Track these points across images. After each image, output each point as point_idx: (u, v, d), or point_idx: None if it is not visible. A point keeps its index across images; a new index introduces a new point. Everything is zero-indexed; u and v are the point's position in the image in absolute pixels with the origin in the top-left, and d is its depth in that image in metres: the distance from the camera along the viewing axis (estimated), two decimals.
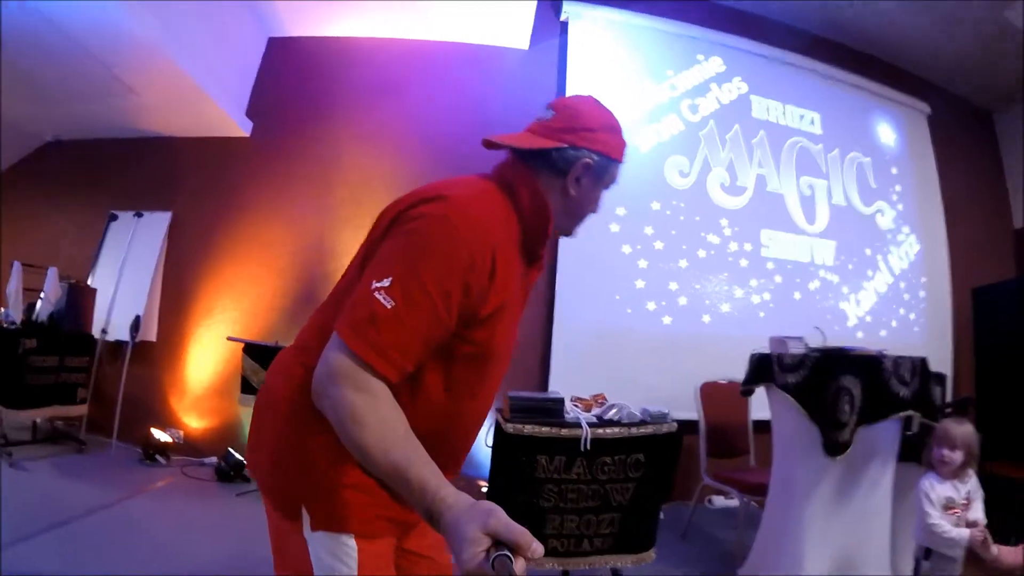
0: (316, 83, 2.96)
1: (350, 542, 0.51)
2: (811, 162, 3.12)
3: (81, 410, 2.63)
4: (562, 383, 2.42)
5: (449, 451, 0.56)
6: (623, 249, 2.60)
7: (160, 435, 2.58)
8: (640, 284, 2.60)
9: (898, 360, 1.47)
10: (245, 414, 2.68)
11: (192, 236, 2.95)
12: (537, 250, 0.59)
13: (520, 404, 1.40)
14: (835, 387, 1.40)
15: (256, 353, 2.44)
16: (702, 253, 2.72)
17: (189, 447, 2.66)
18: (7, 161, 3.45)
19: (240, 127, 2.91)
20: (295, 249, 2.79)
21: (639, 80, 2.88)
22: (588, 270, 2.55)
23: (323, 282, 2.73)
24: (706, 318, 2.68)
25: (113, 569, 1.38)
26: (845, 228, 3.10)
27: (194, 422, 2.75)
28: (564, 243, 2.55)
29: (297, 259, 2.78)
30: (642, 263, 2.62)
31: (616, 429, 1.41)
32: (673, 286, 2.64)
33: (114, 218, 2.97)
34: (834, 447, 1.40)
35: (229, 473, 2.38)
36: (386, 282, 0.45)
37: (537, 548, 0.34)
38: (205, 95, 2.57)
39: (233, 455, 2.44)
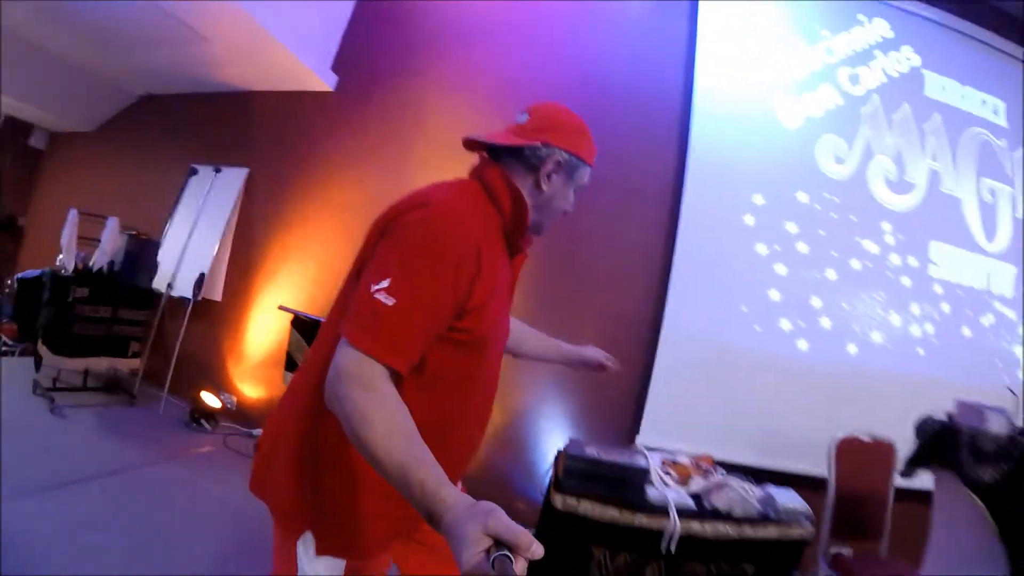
0: (406, 35, 2.28)
1: (341, 565, 0.49)
2: (994, 161, 2.11)
3: (132, 364, 2.22)
4: (661, 410, 1.67)
5: (452, 446, 0.52)
6: (758, 249, 1.77)
7: (210, 399, 2.12)
8: (775, 296, 1.77)
9: None
10: None
11: (266, 194, 2.42)
12: (518, 241, 0.56)
13: (580, 467, 0.74)
14: None
15: (305, 327, 1.86)
16: (856, 264, 1.84)
17: (240, 414, 2.19)
18: (104, 116, 3.08)
19: (323, 80, 2.29)
20: (369, 213, 2.15)
21: (787, 39, 1.98)
22: (712, 270, 1.76)
23: None
24: (852, 348, 1.82)
25: (120, 536, 1.13)
26: None
27: (248, 389, 2.26)
28: (685, 235, 1.75)
29: (368, 224, 2.15)
30: (780, 269, 1.78)
31: (722, 526, 0.75)
32: (816, 303, 1.80)
33: (194, 172, 2.49)
34: None
35: None
36: (384, 283, 0.43)
37: (537, 549, 0.30)
38: (280, 45, 2.03)
39: None
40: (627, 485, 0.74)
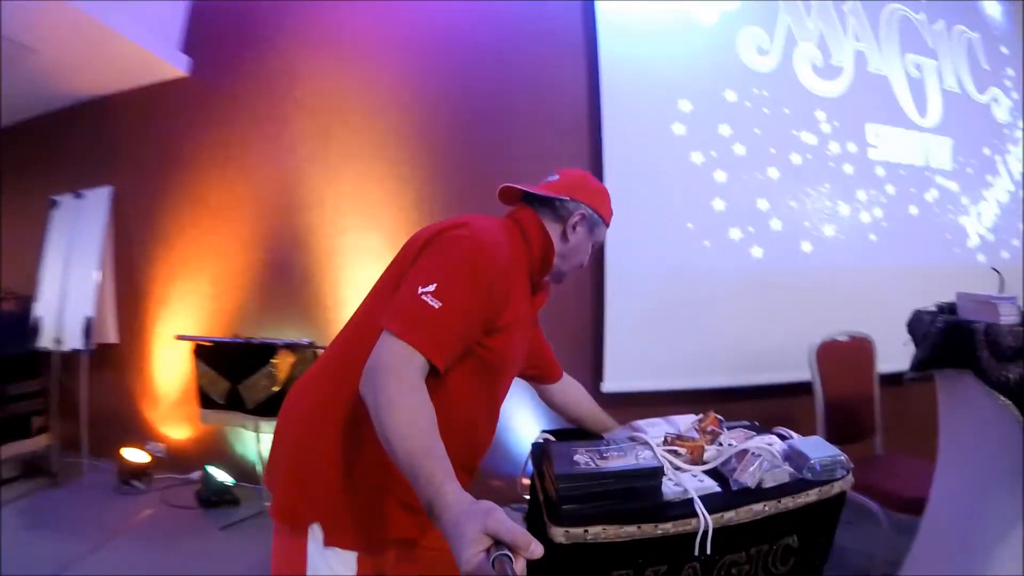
0: None
1: (352, 559, 0.51)
2: (916, 36, 2.05)
3: (39, 442, 1.90)
4: (623, 351, 1.53)
5: (463, 450, 0.55)
6: (693, 158, 1.64)
7: (135, 455, 1.85)
8: (719, 205, 1.65)
9: None
10: (221, 434, 1.86)
11: (136, 210, 2.07)
12: (539, 280, 0.63)
13: (578, 488, 0.57)
14: None
15: (209, 354, 1.63)
16: (796, 158, 1.74)
17: (172, 461, 1.93)
18: None
19: (174, 65, 1.93)
20: (252, 210, 1.88)
21: None
22: (648, 190, 1.62)
23: (293, 247, 1.82)
24: (806, 246, 1.74)
25: None
26: (961, 121, 2.08)
27: (173, 432, 1.98)
28: (611, 158, 1.59)
29: (259, 221, 1.88)
30: (719, 176, 1.66)
31: (757, 506, 0.61)
32: (763, 205, 1.69)
33: (54, 204, 2.11)
34: None
35: (212, 500, 1.67)
36: (431, 287, 0.47)
37: (536, 548, 0.31)
38: (117, 35, 1.68)
39: (213, 477, 1.71)
40: (639, 492, 0.59)
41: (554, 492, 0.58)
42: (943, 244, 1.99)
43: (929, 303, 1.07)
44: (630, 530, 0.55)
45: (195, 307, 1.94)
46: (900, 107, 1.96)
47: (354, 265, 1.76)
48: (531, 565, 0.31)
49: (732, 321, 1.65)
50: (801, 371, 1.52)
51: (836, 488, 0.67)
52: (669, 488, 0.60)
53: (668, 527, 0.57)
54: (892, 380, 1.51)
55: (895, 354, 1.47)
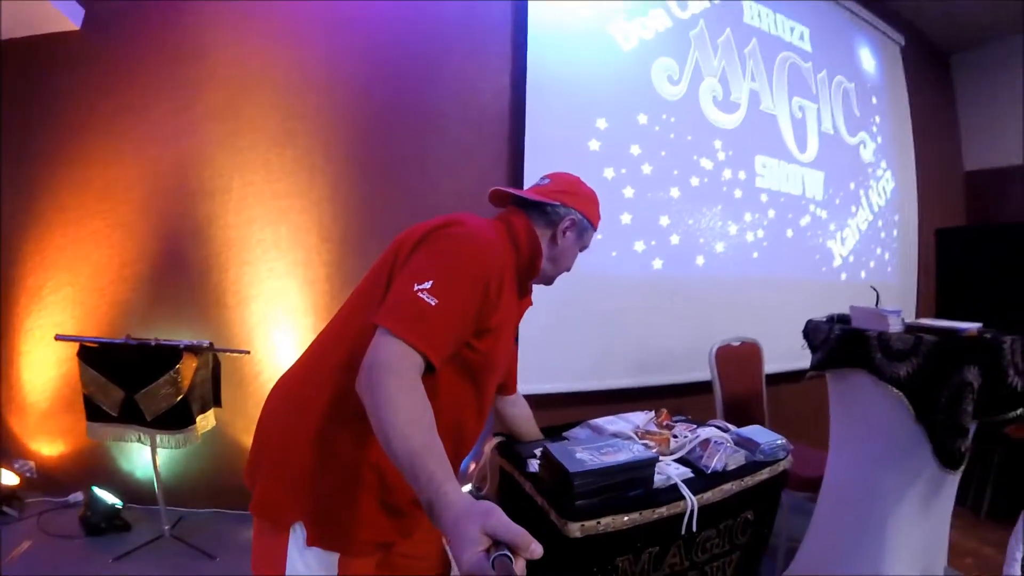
0: None
1: (335, 560, 0.52)
2: (802, 82, 2.39)
3: None
4: (536, 354, 1.63)
5: (449, 449, 0.49)
6: (605, 173, 1.78)
7: (3, 477, 1.60)
8: (626, 219, 1.81)
9: (1015, 342, 0.93)
10: (104, 449, 1.67)
11: (5, 183, 1.75)
12: (526, 284, 0.64)
13: (592, 483, 0.64)
14: (957, 382, 0.89)
15: (97, 357, 1.43)
16: (695, 181, 1.96)
17: (46, 481, 1.69)
18: None
19: (63, 14, 1.64)
20: (148, 191, 1.70)
21: None
22: None
23: (192, 237, 1.68)
24: (700, 259, 1.97)
25: None
26: (833, 158, 2.47)
27: (46, 447, 1.73)
28: (532, 168, 1.67)
29: (152, 206, 1.69)
30: (628, 191, 1.82)
31: (726, 486, 0.74)
32: (664, 221, 1.88)
33: None
34: (952, 457, 0.89)
35: (100, 525, 1.48)
36: (427, 284, 0.47)
37: (536, 548, 0.31)
38: None
39: (99, 499, 1.51)
40: (638, 481, 0.67)
41: (566, 489, 0.61)
42: (813, 263, 2.36)
43: (803, 314, 1.27)
44: (633, 517, 0.63)
45: (73, 302, 1.71)
46: (784, 142, 2.28)
47: (259, 260, 1.66)
48: (544, 561, 0.31)
49: (635, 326, 1.83)
50: (697, 371, 1.74)
51: (781, 466, 0.81)
52: (659, 478, 0.69)
53: (663, 511, 0.65)
54: (773, 380, 1.78)
55: (775, 356, 1.75)
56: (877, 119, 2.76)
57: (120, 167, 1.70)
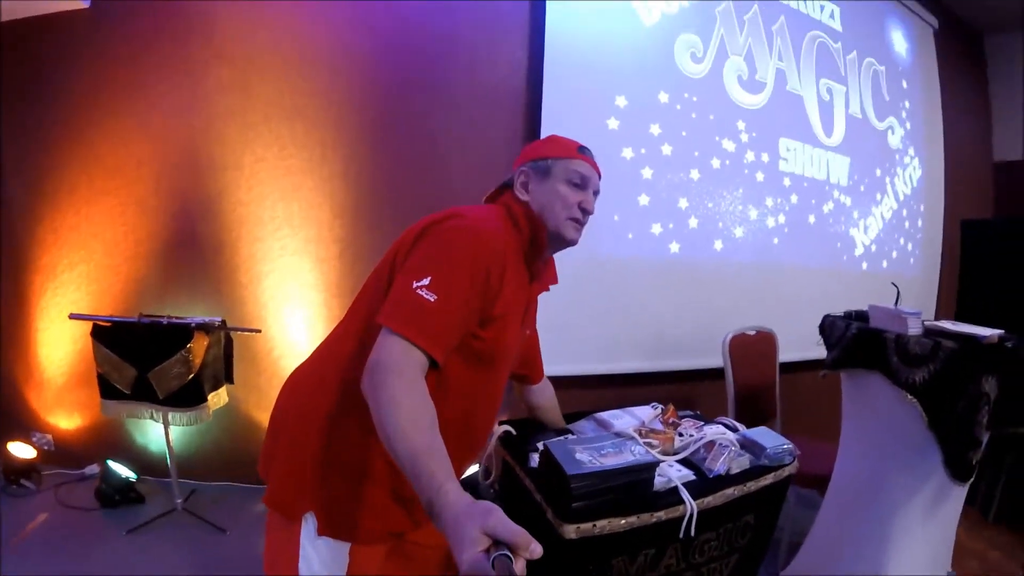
0: None
1: (346, 549, 0.53)
2: (831, 62, 2.29)
3: None
4: (548, 334, 1.60)
5: (460, 441, 0.56)
6: (624, 153, 1.73)
7: (22, 450, 1.64)
8: (644, 200, 1.76)
9: None
10: (119, 424, 1.69)
11: (21, 162, 1.77)
12: (535, 264, 0.62)
13: (590, 486, 0.62)
14: (974, 392, 0.84)
15: (110, 336, 1.45)
16: (716, 163, 1.90)
17: (63, 454, 1.73)
18: None
19: None
20: (158, 168, 1.69)
21: None
22: None
23: (203, 214, 1.67)
24: (718, 244, 1.92)
25: None
26: (859, 144, 2.37)
27: (63, 421, 1.77)
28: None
29: (162, 182, 1.69)
30: (646, 172, 1.76)
31: (728, 490, 0.71)
32: (683, 203, 1.83)
33: None
34: (962, 469, 0.86)
35: (114, 498, 1.52)
36: (426, 281, 0.47)
37: (536, 548, 0.31)
38: None
39: (114, 472, 1.55)
40: (637, 484, 0.66)
41: (563, 491, 0.60)
42: (834, 251, 2.29)
43: (822, 302, 1.22)
44: (631, 520, 0.61)
45: (88, 279, 1.73)
46: (810, 125, 2.20)
47: (271, 237, 1.65)
48: (538, 561, 0.31)
49: (649, 310, 1.80)
50: (709, 358, 1.71)
51: (786, 471, 0.79)
52: (658, 480, 0.67)
53: (661, 515, 0.64)
54: (788, 368, 1.74)
55: (791, 344, 1.71)
56: (907, 104, 2.65)
57: (130, 144, 1.70)
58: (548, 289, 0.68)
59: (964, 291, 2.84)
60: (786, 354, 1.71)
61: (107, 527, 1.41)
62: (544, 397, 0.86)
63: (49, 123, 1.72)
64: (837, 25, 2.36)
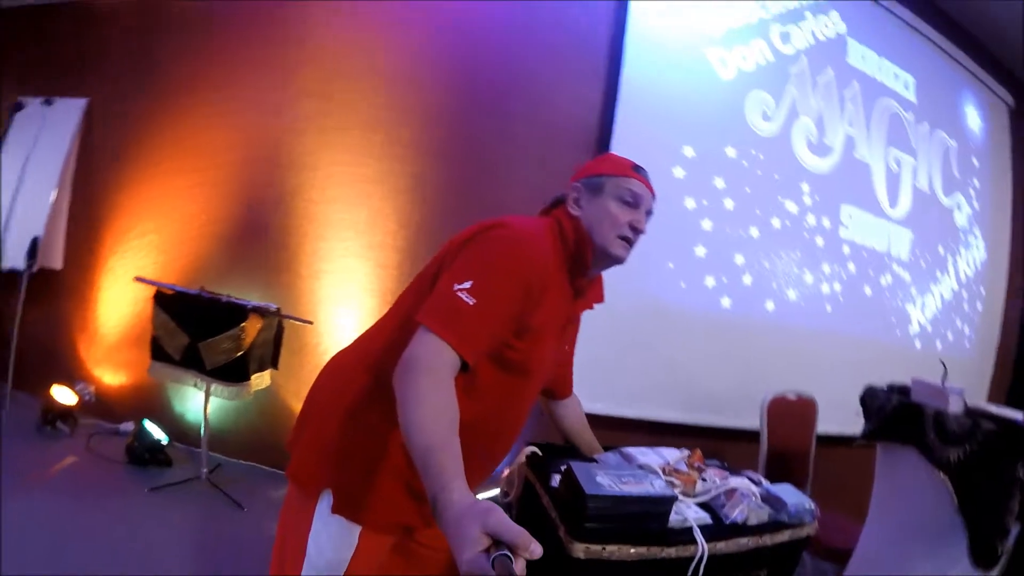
0: None
1: (355, 532, 0.53)
2: (901, 132, 2.26)
3: None
4: (587, 370, 1.59)
5: (473, 456, 0.49)
6: (686, 203, 1.74)
7: (63, 395, 1.73)
8: (700, 252, 1.76)
9: None
10: (160, 387, 1.76)
11: (110, 132, 1.95)
12: (580, 280, 0.61)
13: (605, 507, 0.62)
14: (1008, 478, 0.82)
15: (171, 303, 1.53)
16: (776, 223, 1.88)
17: (101, 407, 1.83)
18: None
19: None
20: (240, 158, 1.81)
21: None
22: None
23: (275, 207, 1.77)
24: (770, 304, 1.88)
25: None
26: (924, 218, 2.31)
27: (107, 376, 1.88)
28: None
29: (242, 172, 1.80)
30: (706, 224, 1.76)
31: (742, 539, 0.70)
32: (739, 259, 1.82)
33: (19, 107, 1.96)
34: (988, 557, 0.82)
35: (143, 456, 1.58)
36: (467, 284, 0.48)
37: (536, 549, 0.31)
38: None
39: (148, 432, 1.62)
40: (652, 516, 0.66)
41: (578, 509, 0.60)
42: (888, 326, 2.20)
43: (869, 376, 1.18)
44: (640, 550, 0.61)
45: (156, 249, 1.85)
46: (875, 195, 2.15)
47: (335, 238, 1.73)
48: None
49: (690, 361, 1.76)
50: (744, 419, 1.65)
51: (805, 531, 0.77)
52: (674, 518, 0.66)
53: (671, 551, 0.63)
54: (825, 441, 1.66)
55: (832, 416, 1.64)
56: (976, 183, 2.56)
57: (215, 131, 1.83)
58: (592, 307, 0.67)
59: (1018, 378, 2.66)
60: (825, 425, 1.64)
61: (131, 482, 1.46)
62: (572, 413, 0.84)
63: (146, 100, 1.87)
64: (911, 96, 2.33)
